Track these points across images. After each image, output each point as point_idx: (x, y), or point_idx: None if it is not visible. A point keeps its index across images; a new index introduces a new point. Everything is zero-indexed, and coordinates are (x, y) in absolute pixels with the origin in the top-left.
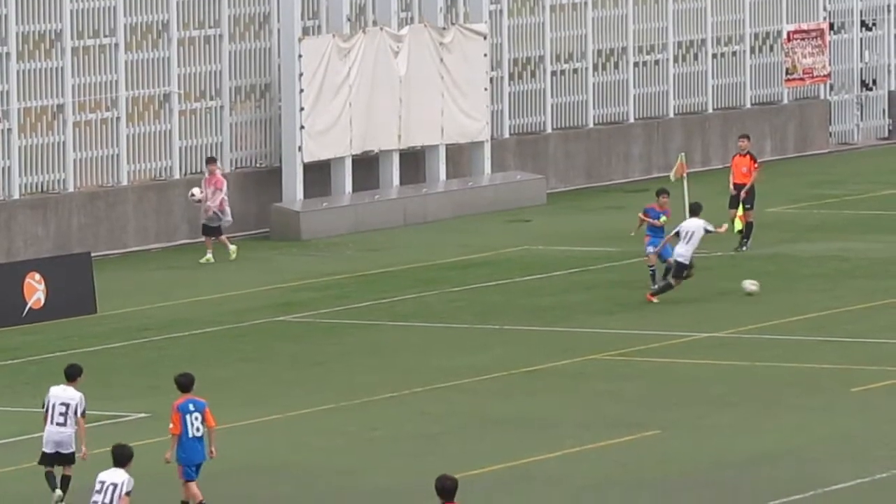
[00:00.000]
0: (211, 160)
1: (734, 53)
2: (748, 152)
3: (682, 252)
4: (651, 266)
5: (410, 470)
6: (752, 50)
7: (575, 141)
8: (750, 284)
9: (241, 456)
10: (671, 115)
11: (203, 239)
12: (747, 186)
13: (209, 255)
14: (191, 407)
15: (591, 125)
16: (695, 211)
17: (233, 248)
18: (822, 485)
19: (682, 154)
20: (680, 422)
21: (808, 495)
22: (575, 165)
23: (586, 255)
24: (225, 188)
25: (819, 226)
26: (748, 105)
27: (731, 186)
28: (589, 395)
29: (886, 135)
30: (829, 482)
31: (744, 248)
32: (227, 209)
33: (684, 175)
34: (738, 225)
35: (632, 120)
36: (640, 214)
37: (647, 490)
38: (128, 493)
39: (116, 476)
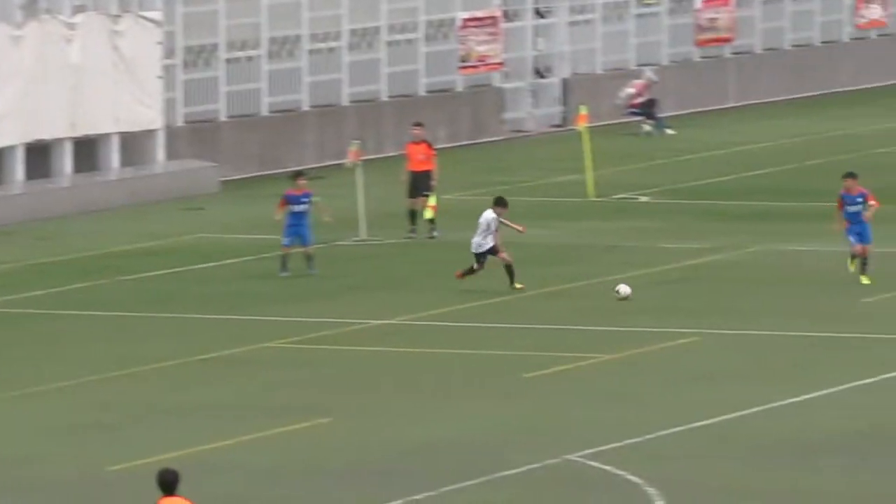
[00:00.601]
0: None
1: (408, 41)
2: (423, 140)
3: (478, 241)
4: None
5: (87, 460)
6: (427, 37)
7: (249, 129)
8: (624, 288)
9: None
10: (345, 102)
11: None
12: (433, 174)
13: None
14: None
15: (265, 113)
16: (499, 203)
17: None
18: (495, 470)
19: (356, 141)
20: (353, 409)
21: (479, 481)
22: (249, 153)
23: (260, 242)
24: None
25: None
26: (422, 93)
27: (407, 174)
28: (262, 382)
29: (560, 122)
30: (502, 468)
31: (435, 235)
32: None
33: (358, 162)
34: (429, 213)
35: (306, 108)
36: (280, 203)
37: (322, 477)
38: None
39: None
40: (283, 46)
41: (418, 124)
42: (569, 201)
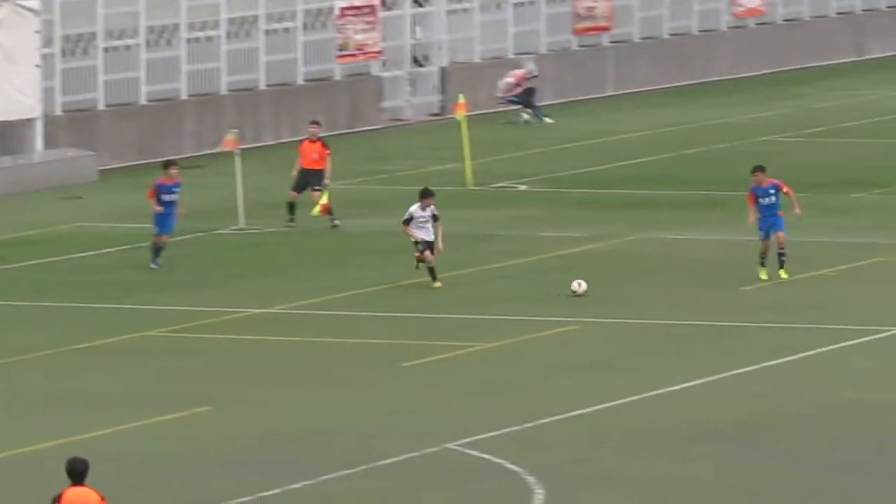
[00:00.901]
0: None
1: (286, 30)
2: (318, 138)
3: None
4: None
5: None
6: (305, 26)
7: (127, 117)
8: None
9: None
10: (224, 91)
11: None
12: (327, 173)
13: None
14: None
15: (144, 102)
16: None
17: None
18: (374, 459)
19: (234, 130)
20: (233, 398)
21: (359, 469)
22: (127, 142)
23: (139, 231)
24: None
25: (371, 201)
26: (300, 81)
27: (297, 171)
28: (141, 371)
29: (438, 111)
30: (381, 457)
31: (336, 223)
32: None
33: (237, 151)
34: (317, 210)
35: (184, 96)
36: (151, 192)
37: (202, 466)
38: None
39: None
40: (162, 35)
41: (315, 122)
42: (448, 190)
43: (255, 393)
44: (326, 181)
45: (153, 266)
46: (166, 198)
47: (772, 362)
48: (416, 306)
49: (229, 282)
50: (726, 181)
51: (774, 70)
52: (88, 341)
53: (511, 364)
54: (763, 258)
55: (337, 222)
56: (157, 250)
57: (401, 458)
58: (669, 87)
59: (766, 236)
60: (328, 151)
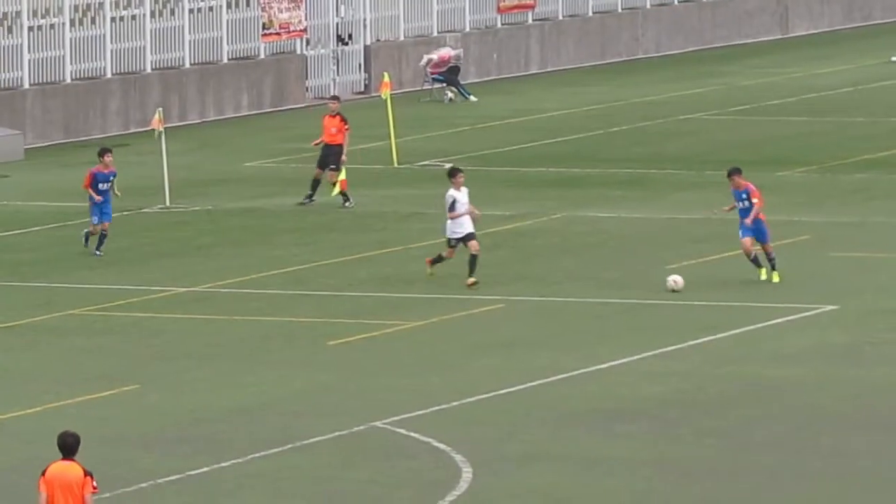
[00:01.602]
0: None
1: (210, 8)
2: (338, 113)
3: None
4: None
5: None
6: (229, 5)
7: (52, 96)
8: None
9: None
10: (149, 69)
11: None
12: (344, 149)
13: None
14: None
15: (69, 80)
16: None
17: None
18: (302, 438)
19: (159, 109)
20: (159, 377)
21: (286, 448)
22: (53, 121)
23: (66, 210)
24: None
25: (296, 180)
26: (225, 60)
27: (320, 145)
28: (67, 350)
29: (363, 89)
30: (309, 435)
31: (349, 205)
32: None
33: (161, 129)
34: (336, 189)
35: (109, 75)
36: (87, 180)
37: (128, 445)
38: None
39: None
40: (86, 14)
41: (335, 98)
42: (373, 168)
43: (180, 371)
44: (343, 157)
45: (98, 254)
46: (103, 186)
47: (697, 340)
48: (340, 285)
49: (155, 260)
50: (651, 159)
51: (699, 48)
52: (13, 320)
53: (437, 342)
54: (750, 257)
55: (349, 204)
56: (101, 238)
57: (328, 436)
58: (594, 66)
59: (744, 235)
60: (347, 126)
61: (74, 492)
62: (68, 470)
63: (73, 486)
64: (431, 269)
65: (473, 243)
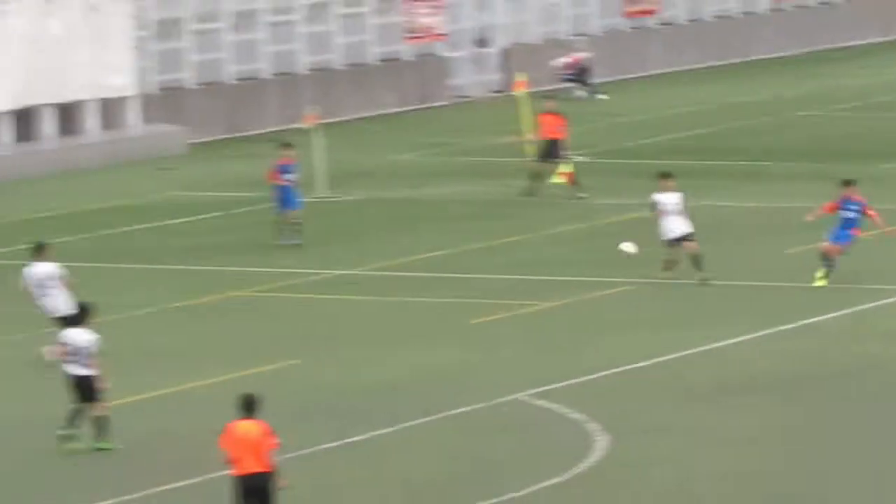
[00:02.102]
0: None
1: (358, 14)
2: (555, 111)
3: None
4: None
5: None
6: (376, 11)
7: (214, 95)
8: (627, 247)
9: None
10: (303, 71)
11: None
12: (564, 142)
13: None
14: None
15: (230, 80)
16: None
17: None
18: (448, 408)
19: (314, 106)
20: (317, 353)
21: (434, 418)
22: (215, 118)
23: (227, 199)
24: None
25: (440, 172)
26: (373, 61)
27: (539, 141)
28: (233, 327)
29: (499, 88)
30: (454, 406)
31: (581, 196)
32: None
33: (315, 126)
34: (558, 179)
35: (266, 76)
36: (271, 173)
37: (288, 414)
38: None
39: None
40: (244, 19)
41: (551, 97)
42: (508, 161)
43: (337, 348)
44: (564, 151)
45: (296, 242)
46: (286, 177)
47: (814, 319)
48: (482, 268)
49: (311, 246)
50: (767, 151)
51: (810, 49)
52: (182, 300)
53: (571, 321)
54: (825, 261)
55: (582, 195)
56: (292, 226)
57: (472, 407)
58: (713, 66)
59: (836, 241)
60: (563, 122)
61: (256, 447)
62: (250, 428)
63: (256, 441)
64: (670, 271)
65: (689, 244)
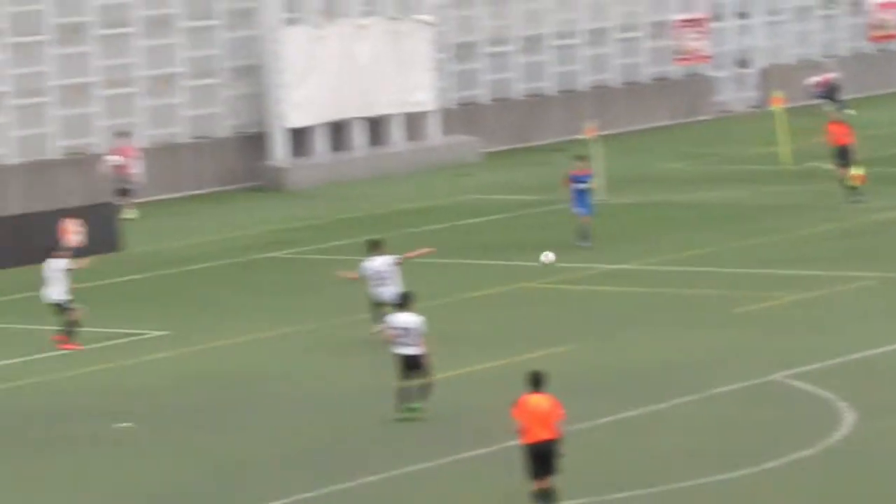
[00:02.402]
0: (123, 133)
1: (634, 39)
2: (841, 120)
3: None
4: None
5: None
6: (649, 36)
7: (506, 110)
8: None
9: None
10: (583, 88)
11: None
12: (853, 146)
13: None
14: None
15: (517, 97)
16: None
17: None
18: (711, 387)
19: (593, 120)
20: (594, 337)
21: (697, 397)
22: (505, 130)
23: (517, 202)
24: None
25: (704, 178)
26: (646, 80)
27: (833, 147)
28: (521, 315)
29: (758, 104)
30: (717, 385)
31: (860, 200)
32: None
33: (595, 137)
34: (855, 181)
35: (551, 93)
36: (564, 181)
37: (567, 391)
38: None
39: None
40: (532, 43)
41: (838, 109)
42: (765, 168)
43: (612, 333)
44: (855, 155)
45: (587, 245)
46: (578, 186)
47: None
48: (742, 263)
49: (599, 242)
50: None
51: None
52: (480, 291)
53: (825, 310)
54: None
55: (858, 198)
56: (585, 229)
57: (733, 386)
58: None
59: None
60: (851, 129)
61: (546, 417)
62: (540, 400)
63: (546, 412)
64: None
65: None
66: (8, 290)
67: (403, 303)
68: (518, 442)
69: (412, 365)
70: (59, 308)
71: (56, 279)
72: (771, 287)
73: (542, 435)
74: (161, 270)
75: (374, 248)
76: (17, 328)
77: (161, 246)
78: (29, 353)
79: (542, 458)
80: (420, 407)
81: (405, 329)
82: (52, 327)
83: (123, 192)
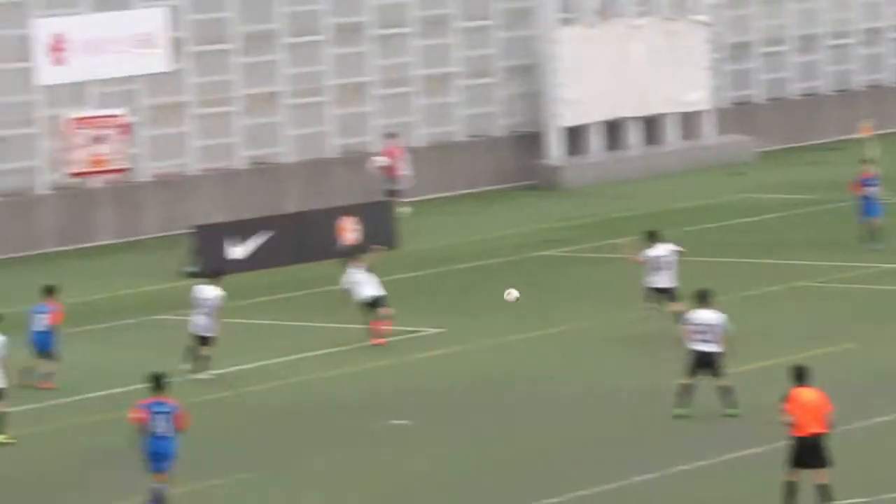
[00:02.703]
0: (391, 135)
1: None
2: None
3: None
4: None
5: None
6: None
7: (779, 109)
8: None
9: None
10: (858, 88)
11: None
12: None
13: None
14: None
15: (793, 97)
16: None
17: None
18: None
19: (869, 119)
20: (873, 336)
21: None
22: (779, 129)
23: (791, 201)
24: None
25: None
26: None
27: None
28: (792, 314)
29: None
30: None
31: None
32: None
33: (870, 136)
34: None
35: (827, 92)
36: (853, 185)
37: (847, 391)
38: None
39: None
40: (808, 42)
41: None
42: None
43: (892, 332)
44: None
45: (879, 247)
46: (865, 191)
47: None
48: None
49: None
50: None
51: None
52: (750, 290)
53: None
54: None
55: None
56: (874, 233)
57: None
58: None
59: None
60: None
61: (817, 411)
62: (811, 394)
63: (817, 406)
64: None
65: None
66: (287, 287)
67: (704, 299)
68: (789, 435)
69: (705, 362)
70: (373, 304)
71: (367, 281)
72: None
73: (814, 428)
74: (436, 268)
75: (653, 238)
76: (302, 325)
77: (435, 244)
78: (303, 349)
79: (813, 451)
80: (737, 411)
81: (707, 325)
82: (324, 324)
83: (391, 193)
